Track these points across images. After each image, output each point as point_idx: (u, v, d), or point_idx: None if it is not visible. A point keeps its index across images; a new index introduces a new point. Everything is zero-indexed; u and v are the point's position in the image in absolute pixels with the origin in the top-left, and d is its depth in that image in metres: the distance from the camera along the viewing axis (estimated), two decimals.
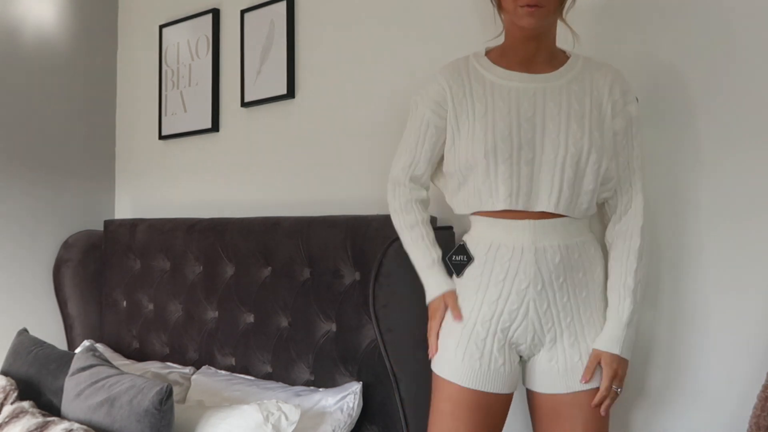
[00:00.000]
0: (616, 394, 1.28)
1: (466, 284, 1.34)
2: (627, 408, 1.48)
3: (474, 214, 1.36)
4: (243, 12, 2.22)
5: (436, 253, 1.38)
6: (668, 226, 1.44)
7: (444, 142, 1.38)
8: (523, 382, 1.37)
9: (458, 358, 1.30)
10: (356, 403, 1.58)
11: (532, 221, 1.28)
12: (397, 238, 1.54)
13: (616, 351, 1.27)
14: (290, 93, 2.09)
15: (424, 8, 1.81)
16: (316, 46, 2.05)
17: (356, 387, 1.61)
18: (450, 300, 1.35)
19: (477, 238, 1.34)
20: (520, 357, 1.33)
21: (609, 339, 1.28)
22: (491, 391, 1.29)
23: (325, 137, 2.02)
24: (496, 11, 1.35)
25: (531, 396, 1.35)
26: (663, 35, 1.46)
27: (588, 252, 1.31)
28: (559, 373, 1.29)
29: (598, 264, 1.33)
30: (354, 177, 1.94)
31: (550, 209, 1.27)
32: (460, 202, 1.39)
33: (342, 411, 1.57)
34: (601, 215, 1.42)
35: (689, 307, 1.42)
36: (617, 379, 1.28)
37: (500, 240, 1.30)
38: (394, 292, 1.49)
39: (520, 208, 1.28)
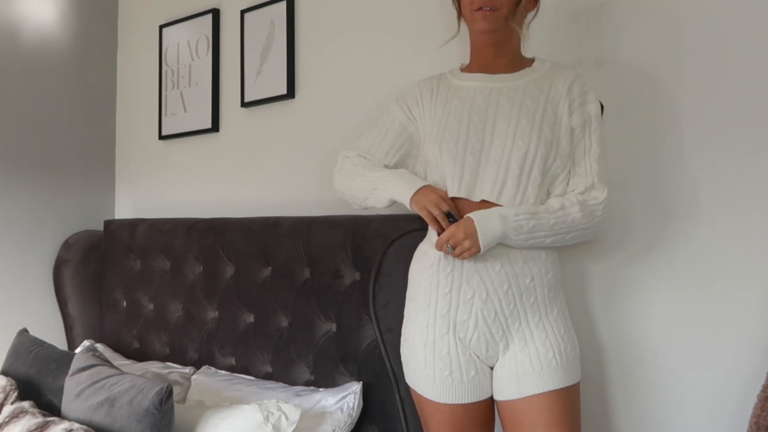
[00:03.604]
0: (442, 244, 1.25)
1: (417, 298, 1.36)
2: (625, 408, 1.48)
3: None
4: (243, 12, 2.22)
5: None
6: (659, 227, 1.44)
7: (404, 142, 1.46)
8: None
9: (429, 378, 1.32)
10: (356, 403, 1.58)
11: None
12: (397, 238, 1.54)
13: (473, 216, 1.25)
14: (290, 93, 2.09)
15: (423, 11, 1.81)
16: (316, 46, 2.05)
17: (356, 387, 1.61)
18: (435, 191, 1.32)
19: (428, 247, 1.37)
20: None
21: (480, 211, 1.26)
22: (470, 401, 1.30)
23: (325, 137, 2.02)
24: (457, 18, 1.41)
25: (495, 405, 1.35)
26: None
27: (538, 258, 1.31)
28: (510, 378, 1.28)
29: (549, 270, 1.32)
30: None
31: (492, 199, 1.29)
32: None
33: (342, 411, 1.57)
34: None
35: (687, 307, 1.42)
36: (452, 238, 1.24)
37: None
38: (394, 292, 1.49)
39: (463, 195, 1.31)
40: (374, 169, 1.45)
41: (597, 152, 1.33)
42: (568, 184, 1.33)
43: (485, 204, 1.30)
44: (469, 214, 1.27)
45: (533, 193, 1.30)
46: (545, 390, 1.26)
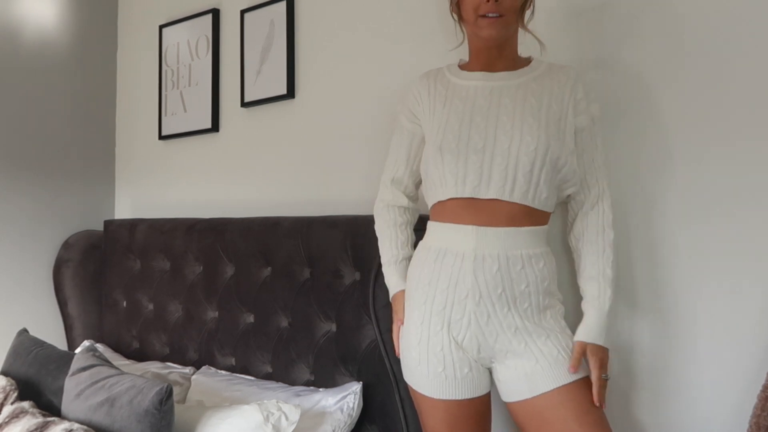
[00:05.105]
0: (606, 382, 1.29)
1: (414, 295, 1.36)
2: (624, 409, 1.48)
3: (431, 219, 1.39)
4: (243, 12, 2.22)
5: (402, 253, 1.44)
6: (658, 226, 1.44)
7: (419, 145, 1.45)
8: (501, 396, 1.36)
9: (423, 374, 1.32)
10: (356, 403, 1.58)
11: (476, 227, 1.28)
12: None
13: (600, 342, 1.29)
14: (290, 93, 2.09)
15: (422, 12, 1.81)
16: (316, 46, 2.05)
17: (356, 387, 1.61)
18: (397, 302, 1.42)
19: (429, 245, 1.37)
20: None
21: (593, 330, 1.30)
22: (464, 397, 1.30)
23: (324, 137, 2.02)
24: (457, 23, 1.41)
25: (508, 408, 1.34)
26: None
27: (536, 265, 1.29)
28: (519, 380, 1.28)
29: (546, 278, 1.30)
30: (354, 177, 1.94)
31: (504, 197, 1.28)
32: (425, 194, 1.43)
33: (342, 411, 1.57)
34: (565, 212, 1.45)
35: (687, 307, 1.42)
36: (604, 368, 1.29)
37: (447, 245, 1.32)
38: None
39: (467, 195, 1.29)
40: (387, 240, 1.47)
41: (603, 156, 1.37)
42: (574, 185, 1.35)
43: (495, 202, 1.29)
44: (581, 340, 1.29)
45: (546, 189, 1.29)
46: (560, 384, 1.25)
